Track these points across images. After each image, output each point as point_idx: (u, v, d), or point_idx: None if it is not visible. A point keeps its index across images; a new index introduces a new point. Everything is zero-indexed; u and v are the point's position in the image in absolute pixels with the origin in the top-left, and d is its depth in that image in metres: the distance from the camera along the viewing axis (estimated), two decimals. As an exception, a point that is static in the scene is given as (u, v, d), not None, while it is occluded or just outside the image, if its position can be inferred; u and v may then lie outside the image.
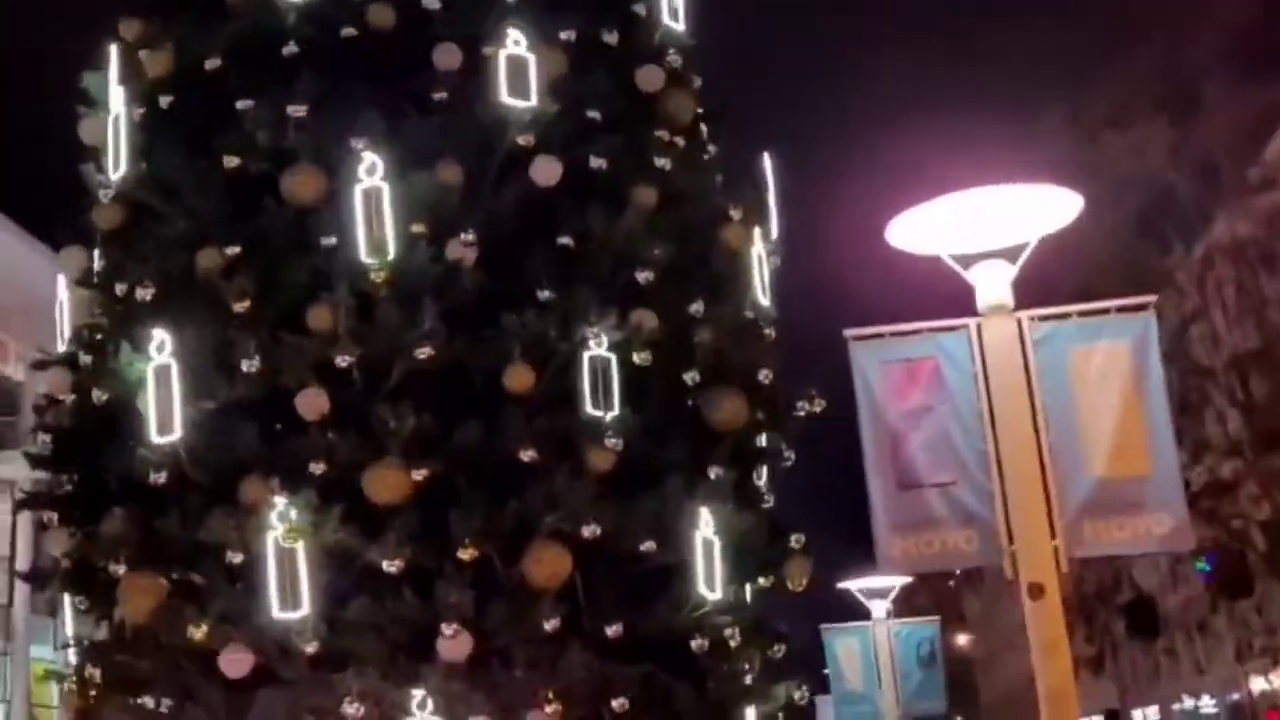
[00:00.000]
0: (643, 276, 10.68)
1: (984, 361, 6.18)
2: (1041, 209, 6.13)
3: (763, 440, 11.76)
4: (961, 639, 62.98)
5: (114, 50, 11.72)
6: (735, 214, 11.88)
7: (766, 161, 12.67)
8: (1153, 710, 48.38)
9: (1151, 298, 6.25)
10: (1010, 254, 6.15)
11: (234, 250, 10.46)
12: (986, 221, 6.04)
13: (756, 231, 11.94)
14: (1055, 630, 5.74)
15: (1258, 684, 37.83)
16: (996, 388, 6.12)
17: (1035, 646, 5.68)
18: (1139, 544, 6.01)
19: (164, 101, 11.33)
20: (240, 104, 10.83)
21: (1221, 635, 39.37)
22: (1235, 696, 40.38)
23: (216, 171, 10.80)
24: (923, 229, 6.35)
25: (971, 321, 6.10)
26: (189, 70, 11.26)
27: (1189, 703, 44.76)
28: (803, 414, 11.55)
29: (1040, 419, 5.90)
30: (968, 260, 6.20)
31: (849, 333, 6.00)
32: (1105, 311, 6.11)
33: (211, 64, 11.11)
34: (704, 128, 12.82)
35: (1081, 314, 6.16)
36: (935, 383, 6.29)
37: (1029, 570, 5.80)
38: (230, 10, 11.29)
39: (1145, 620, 43.19)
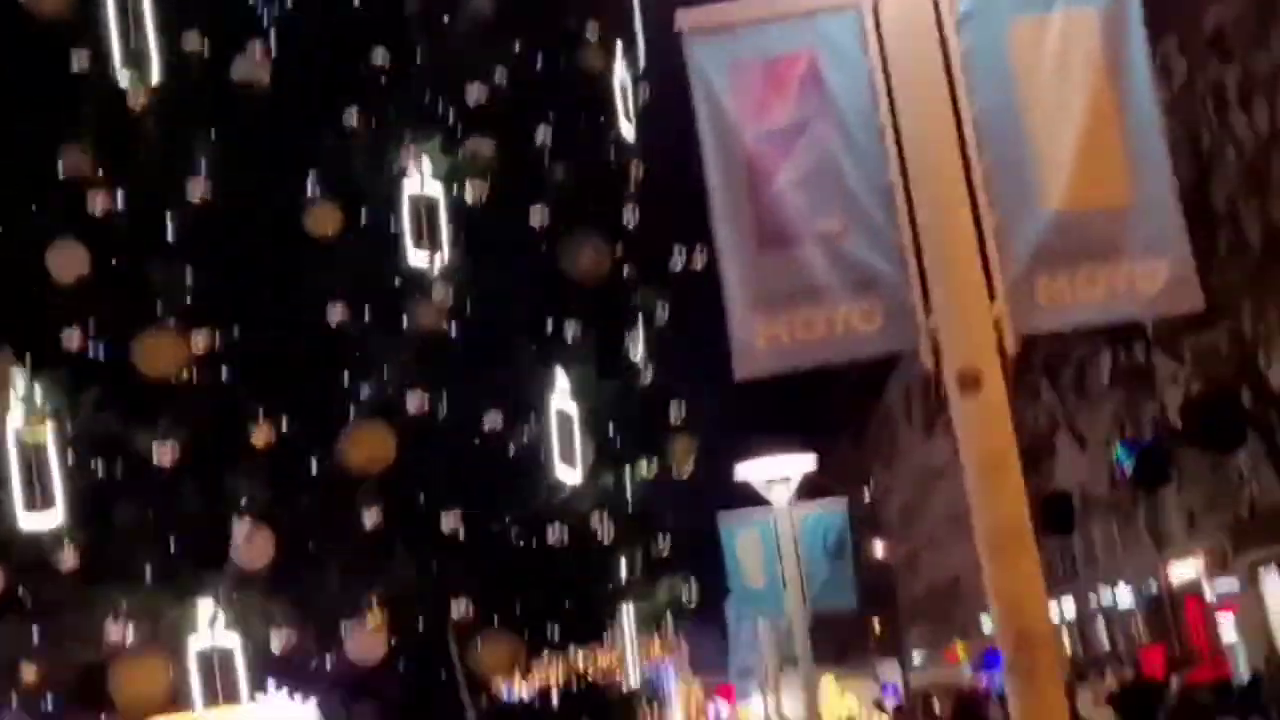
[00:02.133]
0: (474, 97, 8.80)
1: (883, 51, 4.24)
2: None
3: (635, 299, 10.03)
4: (879, 547, 61.99)
5: None
6: (591, 35, 10.02)
7: (630, -23, 10.80)
8: (1068, 602, 47.85)
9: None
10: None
11: (-36, 81, 8.44)
12: None
13: (619, 56, 10.09)
14: (1000, 437, 3.97)
15: (1178, 573, 37.14)
16: (903, 89, 4.19)
17: (972, 467, 3.88)
18: (1119, 305, 4.12)
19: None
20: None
21: (1139, 525, 38.62)
22: (1153, 587, 39.76)
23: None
24: None
25: (862, -8, 4.15)
26: None
27: (1106, 594, 44.17)
28: (679, 267, 9.83)
29: (969, 130, 3.96)
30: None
31: (683, 20, 4.00)
32: (1065, -33, 4.18)
33: None
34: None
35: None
36: (812, 88, 4.35)
37: (958, 353, 3.97)
38: None
39: (1061, 516, 42.34)
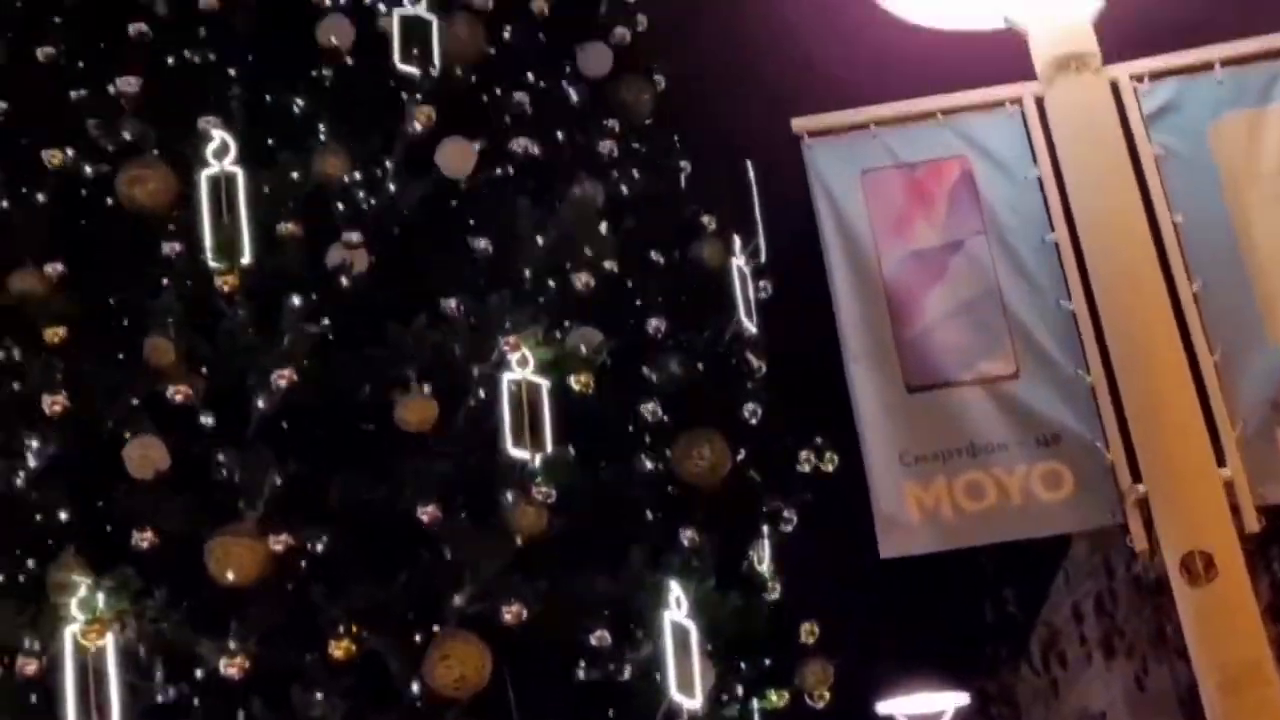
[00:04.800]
0: (582, 283, 8.24)
1: (1053, 154, 3.40)
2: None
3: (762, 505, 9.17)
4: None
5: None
6: (709, 223, 9.49)
7: (750, 169, 10.30)
8: None
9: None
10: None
11: (56, 268, 8.12)
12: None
13: (737, 245, 9.50)
14: (1248, 642, 3.05)
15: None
16: (1083, 199, 3.35)
17: (1211, 681, 2.90)
18: None
19: (-11, 107, 9.07)
20: (74, 94, 8.63)
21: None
22: None
23: (41, 176, 8.51)
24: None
25: (1026, 90, 3.25)
26: (19, 64, 9.05)
27: None
28: (808, 469, 8.98)
29: (1171, 247, 3.05)
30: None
31: (801, 124, 3.17)
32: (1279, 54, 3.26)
33: (45, 53, 8.90)
34: (676, 139, 10.52)
35: (1230, 61, 3.30)
36: (965, 199, 3.54)
37: (1180, 530, 3.06)
38: (70, -9, 9.10)
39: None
